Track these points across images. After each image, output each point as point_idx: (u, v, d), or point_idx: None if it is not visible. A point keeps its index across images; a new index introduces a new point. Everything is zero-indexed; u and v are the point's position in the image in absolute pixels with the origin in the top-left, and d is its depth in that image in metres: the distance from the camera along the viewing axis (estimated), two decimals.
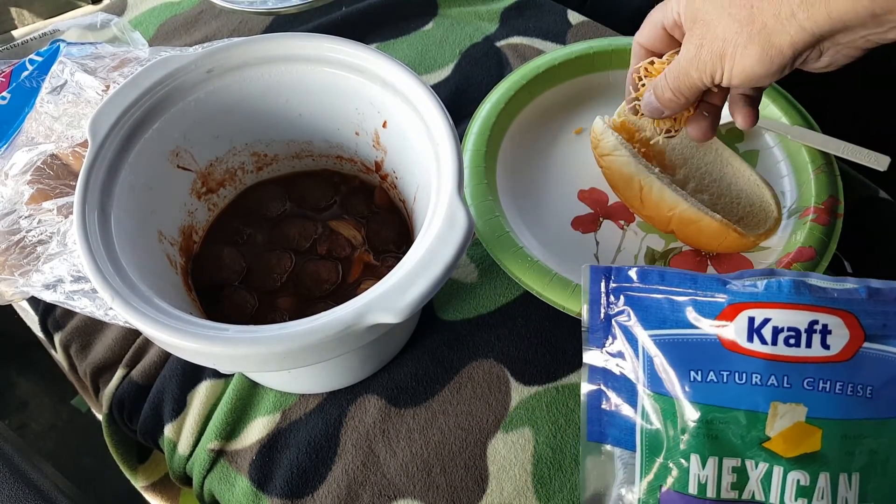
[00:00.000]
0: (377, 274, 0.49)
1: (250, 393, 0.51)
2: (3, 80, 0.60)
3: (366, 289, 0.37)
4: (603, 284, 0.45)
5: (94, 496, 1.06)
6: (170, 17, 0.77)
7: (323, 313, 0.36)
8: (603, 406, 0.45)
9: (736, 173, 0.55)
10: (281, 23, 0.75)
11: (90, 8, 0.84)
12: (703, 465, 0.41)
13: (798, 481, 0.39)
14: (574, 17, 0.73)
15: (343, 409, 0.50)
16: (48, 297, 0.50)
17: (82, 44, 0.63)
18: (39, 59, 0.62)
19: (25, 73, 0.61)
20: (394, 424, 0.49)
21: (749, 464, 0.40)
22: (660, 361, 0.42)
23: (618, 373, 0.44)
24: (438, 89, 0.67)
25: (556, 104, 0.64)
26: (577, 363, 0.51)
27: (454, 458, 0.48)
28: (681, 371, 0.42)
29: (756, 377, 0.40)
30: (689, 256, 0.55)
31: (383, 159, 0.51)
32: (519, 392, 0.50)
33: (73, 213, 0.40)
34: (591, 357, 0.45)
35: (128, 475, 0.57)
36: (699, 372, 0.41)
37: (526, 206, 0.58)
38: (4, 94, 0.60)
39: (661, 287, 0.44)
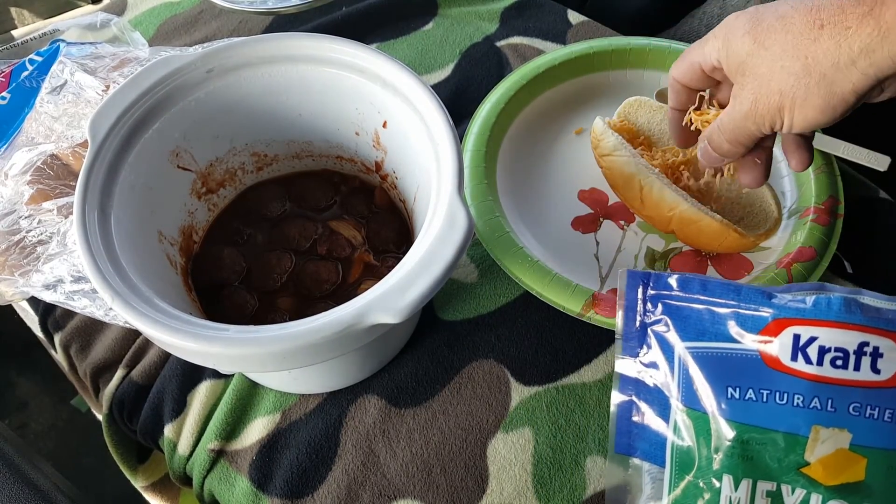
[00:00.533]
0: (377, 274, 0.49)
1: (250, 393, 0.51)
2: (3, 80, 0.60)
3: (366, 289, 0.37)
4: (640, 291, 0.44)
5: (94, 496, 1.06)
6: (170, 16, 0.77)
7: (323, 313, 0.36)
8: (633, 418, 0.43)
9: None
10: (281, 23, 0.75)
11: (90, 8, 0.84)
12: (736, 486, 0.39)
13: None
14: (574, 17, 0.73)
15: (343, 410, 0.50)
16: (48, 297, 0.50)
17: (82, 44, 0.63)
18: (39, 59, 0.62)
19: (25, 73, 0.61)
20: (394, 424, 0.49)
21: (785, 489, 0.38)
22: (696, 375, 0.41)
23: (651, 384, 0.43)
24: (438, 89, 0.67)
25: (556, 104, 0.64)
26: (577, 363, 0.51)
27: (454, 458, 0.48)
28: (718, 387, 0.40)
29: (798, 398, 0.38)
30: (689, 256, 0.55)
31: (383, 159, 0.51)
32: (519, 392, 0.50)
33: (73, 213, 0.40)
34: (623, 366, 0.44)
35: (128, 475, 0.57)
36: (737, 389, 0.39)
37: (526, 206, 0.58)
38: (4, 94, 0.60)
39: (701, 297, 0.42)
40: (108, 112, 0.44)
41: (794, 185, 0.57)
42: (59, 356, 0.59)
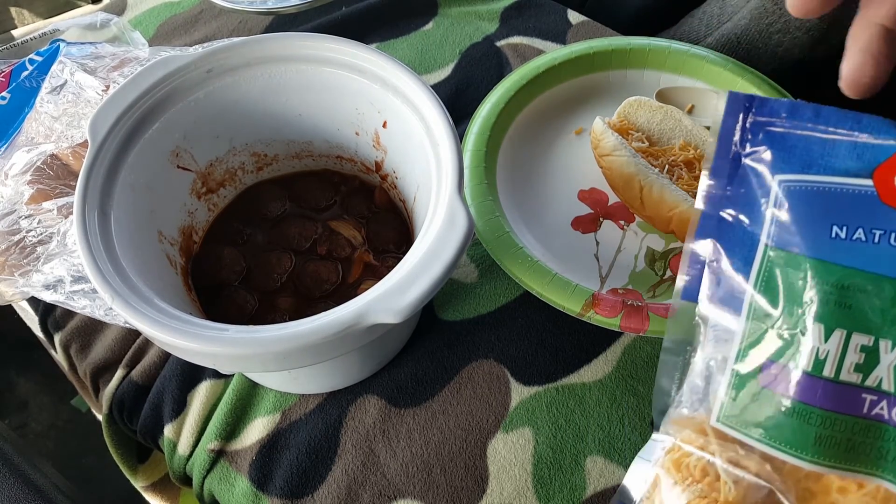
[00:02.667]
0: (377, 274, 0.49)
1: (250, 393, 0.51)
2: (3, 80, 0.60)
3: (366, 289, 0.37)
4: (741, 117, 0.37)
5: (94, 496, 1.06)
6: (170, 16, 0.77)
7: (323, 313, 0.36)
8: (708, 259, 0.37)
9: None
10: (281, 23, 0.75)
11: (90, 8, 0.84)
12: (826, 337, 0.33)
13: None
14: (574, 17, 0.73)
15: (343, 410, 0.50)
16: (48, 297, 0.50)
17: (82, 44, 0.62)
18: (39, 58, 0.62)
19: (25, 73, 0.61)
20: (394, 424, 0.49)
21: (884, 344, 0.33)
22: (795, 212, 0.35)
23: (736, 223, 0.37)
24: (438, 89, 0.67)
25: (556, 104, 0.64)
26: (577, 363, 0.51)
27: (454, 459, 0.48)
28: (821, 225, 0.34)
29: None
30: None
31: (383, 159, 0.51)
32: (519, 392, 0.50)
33: (73, 213, 0.40)
34: (706, 201, 0.38)
35: (128, 475, 0.57)
36: (844, 228, 0.34)
37: (526, 207, 0.58)
38: (4, 94, 0.60)
39: (811, 125, 0.36)
40: (108, 112, 0.44)
41: None
42: (59, 356, 0.59)
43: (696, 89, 0.63)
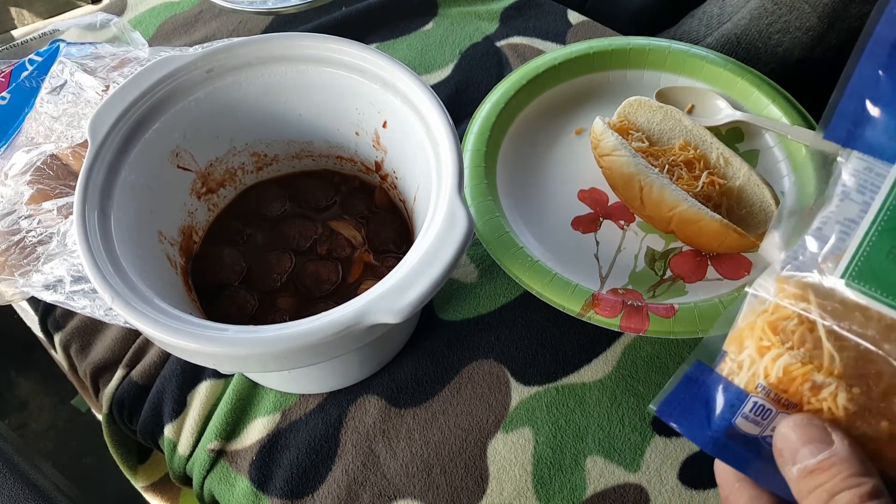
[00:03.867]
0: (377, 274, 0.49)
1: (250, 393, 0.51)
2: (3, 80, 0.60)
3: (366, 289, 0.37)
4: None
5: (94, 496, 1.06)
6: (170, 16, 0.77)
7: (323, 313, 0.36)
8: (867, 97, 0.31)
9: (736, 173, 0.55)
10: (281, 23, 0.75)
11: (90, 8, 0.84)
12: None
13: None
14: (574, 17, 0.73)
15: (343, 410, 0.50)
16: (48, 297, 0.50)
17: (82, 44, 0.63)
18: (39, 59, 0.62)
19: (25, 73, 0.61)
20: (394, 425, 0.49)
21: None
22: None
23: None
24: (438, 89, 0.67)
25: (556, 104, 0.64)
26: (577, 363, 0.51)
27: (454, 459, 0.48)
28: None
29: None
30: (689, 256, 0.55)
31: (383, 159, 0.51)
32: (519, 392, 0.50)
33: (73, 213, 0.40)
34: (886, 15, 0.30)
35: (128, 475, 0.57)
36: None
37: (526, 206, 0.58)
38: (4, 94, 0.60)
39: None
40: (108, 112, 0.44)
41: (794, 185, 0.57)
42: (59, 356, 0.59)
43: (696, 89, 0.63)
